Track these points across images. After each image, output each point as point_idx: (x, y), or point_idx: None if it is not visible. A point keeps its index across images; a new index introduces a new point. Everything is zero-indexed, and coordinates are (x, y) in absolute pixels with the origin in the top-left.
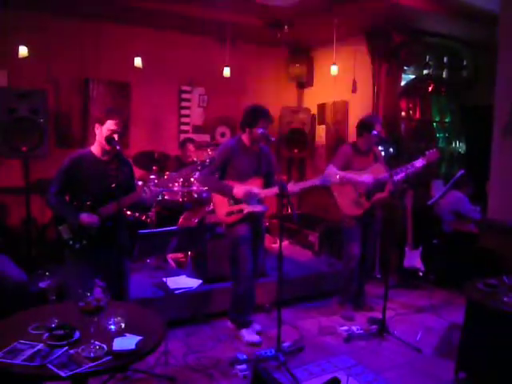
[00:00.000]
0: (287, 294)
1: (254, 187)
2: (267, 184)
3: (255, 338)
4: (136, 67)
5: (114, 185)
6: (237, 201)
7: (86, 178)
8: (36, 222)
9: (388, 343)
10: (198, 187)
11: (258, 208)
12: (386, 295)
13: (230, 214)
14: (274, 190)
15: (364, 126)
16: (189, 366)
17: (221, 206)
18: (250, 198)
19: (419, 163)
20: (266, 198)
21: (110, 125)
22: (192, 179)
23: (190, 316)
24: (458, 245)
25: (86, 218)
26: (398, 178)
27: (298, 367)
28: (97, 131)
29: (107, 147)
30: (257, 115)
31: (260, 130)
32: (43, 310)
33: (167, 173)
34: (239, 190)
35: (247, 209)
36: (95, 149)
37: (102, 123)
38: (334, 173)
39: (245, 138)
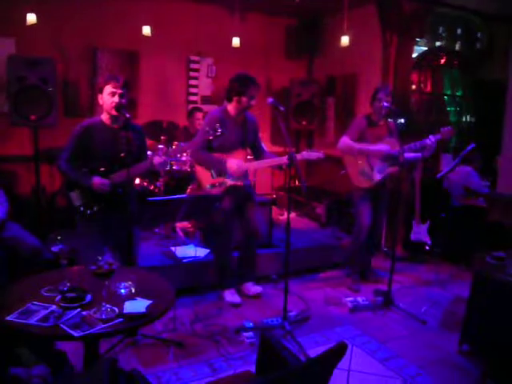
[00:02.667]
0: (294, 265)
1: (240, 160)
2: (256, 156)
3: (236, 299)
4: (145, 36)
5: (123, 154)
6: (219, 173)
7: (97, 146)
8: (45, 190)
9: (393, 314)
10: None
11: (240, 181)
12: (393, 268)
13: (212, 186)
14: (267, 161)
15: (372, 95)
16: (196, 332)
17: (204, 179)
18: (241, 174)
19: (432, 139)
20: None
21: (108, 89)
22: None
23: (197, 284)
24: (466, 219)
25: (98, 180)
26: (410, 156)
27: (304, 336)
28: (101, 101)
29: (114, 113)
30: (246, 82)
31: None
32: (55, 274)
33: (175, 143)
34: (232, 165)
35: (229, 182)
36: (104, 117)
37: (101, 92)
38: (347, 144)
39: (230, 108)
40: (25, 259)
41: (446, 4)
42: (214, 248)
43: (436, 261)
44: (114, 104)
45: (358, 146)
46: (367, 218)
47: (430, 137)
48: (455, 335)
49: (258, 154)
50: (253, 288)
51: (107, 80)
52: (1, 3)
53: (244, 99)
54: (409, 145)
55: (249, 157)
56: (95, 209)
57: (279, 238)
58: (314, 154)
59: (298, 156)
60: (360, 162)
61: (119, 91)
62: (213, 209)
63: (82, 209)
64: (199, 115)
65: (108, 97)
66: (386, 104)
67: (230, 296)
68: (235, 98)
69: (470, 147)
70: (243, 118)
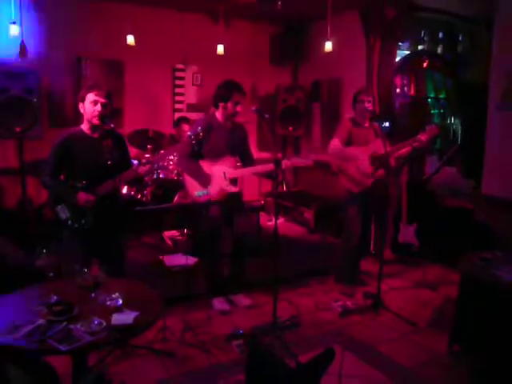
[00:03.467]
0: (283, 271)
1: (221, 171)
2: (245, 163)
3: (225, 306)
4: (129, 45)
5: (110, 162)
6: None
7: (78, 157)
8: (32, 202)
9: (383, 317)
10: None
11: (229, 188)
12: (381, 270)
13: (200, 193)
14: (254, 168)
15: (355, 95)
16: (186, 341)
17: (192, 186)
18: (222, 196)
19: (422, 138)
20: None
21: (90, 97)
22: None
23: (187, 293)
24: (452, 220)
25: (83, 196)
26: (399, 153)
27: (294, 341)
28: (81, 110)
29: (96, 122)
30: (230, 88)
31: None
32: (42, 287)
33: (162, 151)
34: (215, 190)
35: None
36: (85, 126)
37: (83, 100)
38: (338, 148)
39: (218, 114)
40: (10, 272)
41: (427, 8)
42: (203, 255)
43: (424, 262)
44: (96, 113)
45: (347, 149)
46: (358, 224)
47: (421, 134)
48: (445, 336)
49: (247, 161)
50: (243, 300)
51: (89, 88)
52: None
53: (229, 105)
54: (398, 145)
55: (238, 164)
56: (82, 222)
57: (267, 243)
58: (302, 161)
59: (287, 162)
60: (350, 167)
61: (102, 100)
62: (200, 217)
63: (69, 222)
64: (186, 127)
65: (90, 105)
66: (367, 105)
67: (219, 304)
68: (221, 104)
69: (453, 148)
70: (231, 125)
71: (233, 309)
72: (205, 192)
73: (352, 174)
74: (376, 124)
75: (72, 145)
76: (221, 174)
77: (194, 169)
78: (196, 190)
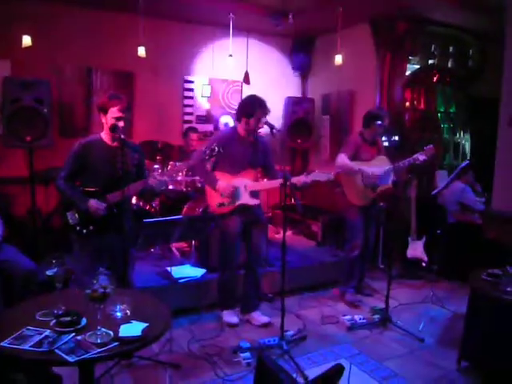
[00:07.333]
0: (290, 284)
1: (242, 183)
2: (267, 176)
3: (234, 319)
4: (139, 57)
5: (120, 172)
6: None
7: (95, 164)
8: (41, 212)
9: (391, 332)
10: None
11: (249, 201)
12: (389, 285)
13: (221, 205)
14: (264, 183)
15: (372, 117)
16: (193, 353)
17: (213, 197)
18: (231, 195)
19: (420, 157)
20: (264, 190)
21: (113, 112)
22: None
23: (194, 305)
24: (461, 235)
25: (94, 204)
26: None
27: (301, 356)
28: (103, 120)
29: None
30: (254, 105)
31: (264, 120)
32: (50, 298)
33: (171, 163)
34: (222, 185)
35: (238, 201)
36: (105, 135)
37: (105, 112)
38: (345, 162)
39: (240, 128)
40: (19, 282)
41: (438, 22)
42: (219, 267)
43: (433, 277)
44: (119, 129)
45: (355, 166)
46: (359, 236)
47: (419, 155)
48: (453, 352)
49: (270, 174)
50: (260, 318)
51: (113, 101)
52: None
53: (251, 121)
54: (398, 163)
55: (259, 176)
56: (91, 228)
57: (275, 256)
58: (323, 175)
59: (309, 177)
60: (355, 181)
61: (124, 115)
62: (216, 228)
63: (78, 228)
64: (194, 136)
65: (112, 120)
66: (379, 122)
67: (228, 316)
68: (243, 120)
69: (464, 164)
70: (253, 139)
71: (241, 321)
72: (225, 203)
73: (357, 187)
74: (379, 139)
75: (89, 151)
76: (241, 186)
77: (203, 175)
78: (216, 201)
